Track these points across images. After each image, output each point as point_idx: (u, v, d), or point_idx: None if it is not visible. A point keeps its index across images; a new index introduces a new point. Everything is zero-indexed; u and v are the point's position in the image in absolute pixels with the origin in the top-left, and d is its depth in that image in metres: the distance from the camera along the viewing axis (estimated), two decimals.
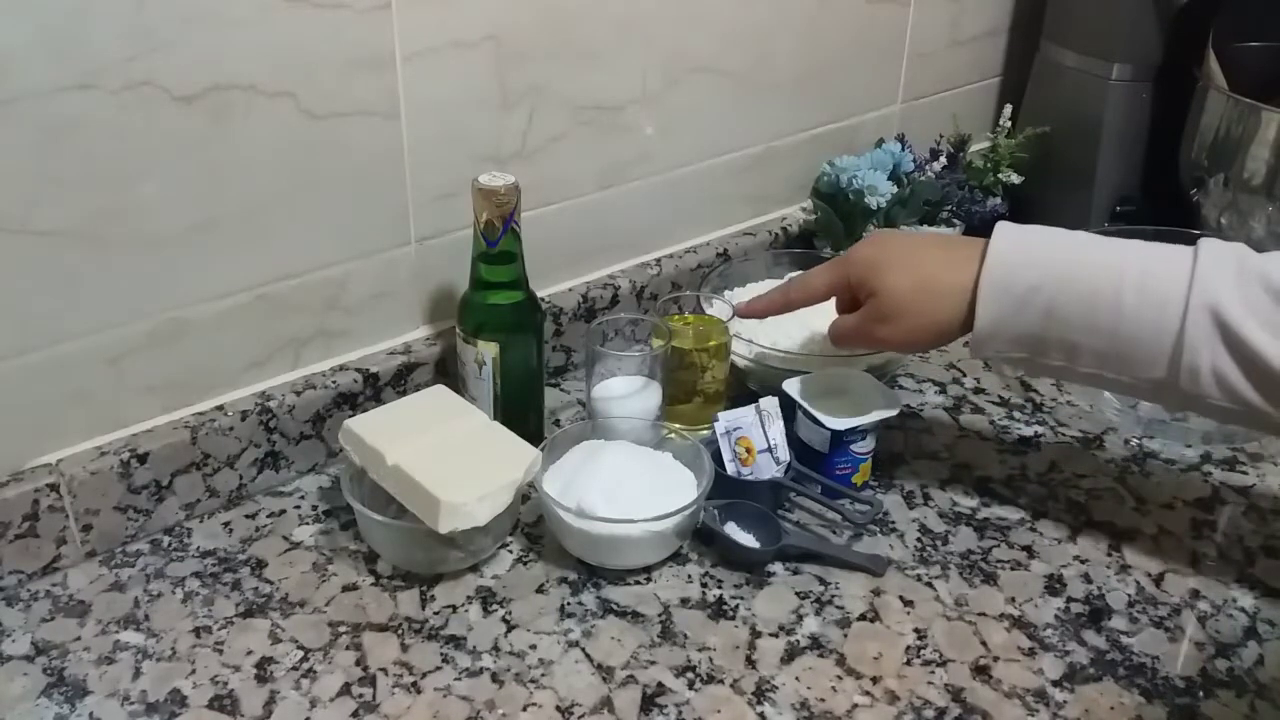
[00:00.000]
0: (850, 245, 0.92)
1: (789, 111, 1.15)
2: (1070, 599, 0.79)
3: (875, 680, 0.72)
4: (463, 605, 0.77)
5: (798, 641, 0.74)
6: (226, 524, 0.84)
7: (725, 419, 0.84)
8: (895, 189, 1.13)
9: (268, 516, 0.85)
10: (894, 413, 0.86)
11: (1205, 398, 0.70)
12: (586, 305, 1.01)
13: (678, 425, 0.87)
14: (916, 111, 1.28)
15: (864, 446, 0.86)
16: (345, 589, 0.78)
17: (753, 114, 1.11)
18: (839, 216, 1.14)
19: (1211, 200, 1.15)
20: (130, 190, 0.75)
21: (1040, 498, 0.89)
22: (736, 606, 0.77)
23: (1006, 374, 1.04)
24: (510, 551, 0.82)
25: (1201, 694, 0.71)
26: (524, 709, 0.69)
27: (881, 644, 0.74)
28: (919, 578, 0.80)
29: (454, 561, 0.79)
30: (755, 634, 0.75)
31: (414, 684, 0.70)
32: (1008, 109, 1.29)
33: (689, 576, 0.80)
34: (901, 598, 0.78)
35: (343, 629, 0.74)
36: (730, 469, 0.84)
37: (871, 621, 0.76)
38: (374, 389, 0.90)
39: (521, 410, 0.89)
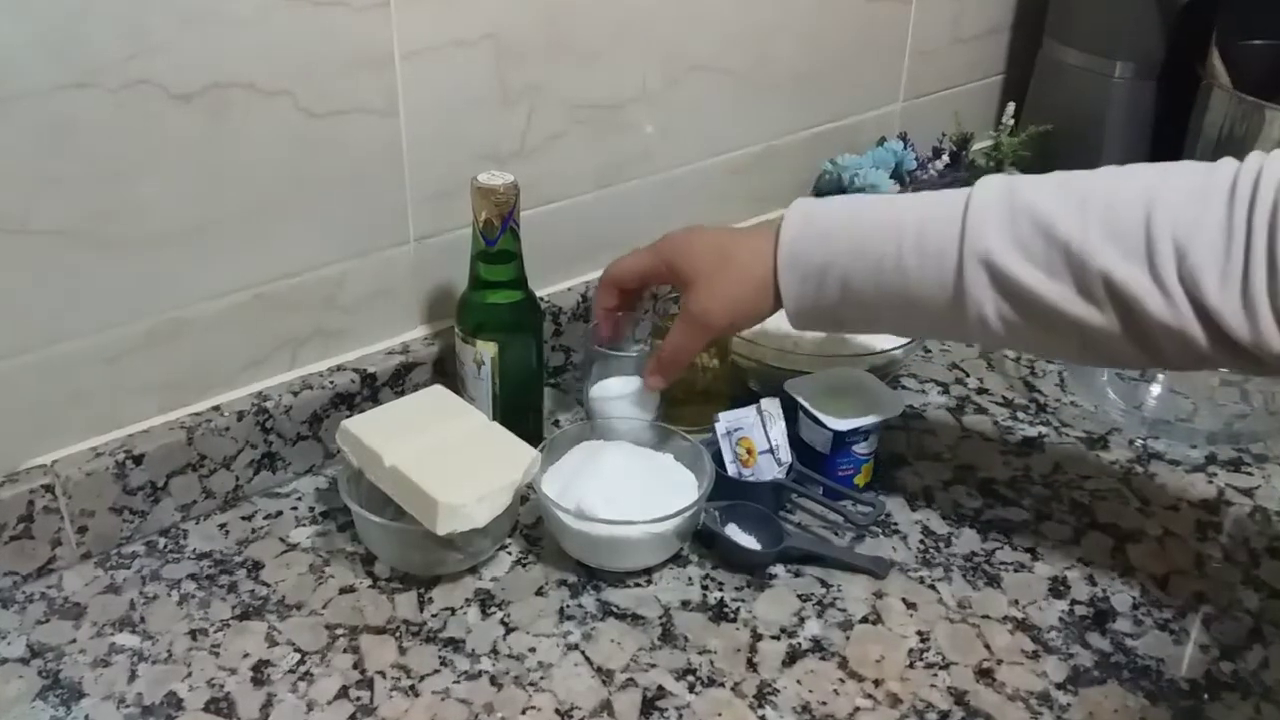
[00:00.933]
0: None
1: (790, 110, 1.14)
2: (1074, 601, 0.78)
3: (878, 683, 0.71)
4: (461, 607, 0.76)
5: (799, 644, 0.74)
6: (223, 526, 0.83)
7: (726, 419, 0.84)
8: (898, 187, 1.13)
9: (264, 518, 0.84)
10: (896, 413, 0.86)
11: (1000, 338, 0.71)
12: (586, 305, 1.01)
13: (678, 426, 0.87)
14: (918, 110, 1.28)
15: (866, 447, 0.86)
16: (343, 591, 0.77)
17: (753, 112, 1.11)
18: None
19: None
20: (129, 189, 0.74)
21: (1044, 499, 0.88)
22: (737, 609, 0.77)
23: (1010, 374, 1.04)
24: (509, 553, 0.81)
25: (1206, 696, 0.71)
26: (523, 712, 0.68)
27: (884, 646, 0.74)
28: (921, 580, 0.80)
29: (452, 563, 0.78)
30: (756, 636, 0.74)
31: (412, 687, 0.70)
32: (1010, 107, 1.28)
33: (689, 578, 0.79)
34: (904, 600, 0.78)
35: (340, 631, 0.74)
36: (731, 470, 0.83)
37: (874, 624, 0.76)
38: (372, 389, 0.89)
39: (520, 410, 0.89)
